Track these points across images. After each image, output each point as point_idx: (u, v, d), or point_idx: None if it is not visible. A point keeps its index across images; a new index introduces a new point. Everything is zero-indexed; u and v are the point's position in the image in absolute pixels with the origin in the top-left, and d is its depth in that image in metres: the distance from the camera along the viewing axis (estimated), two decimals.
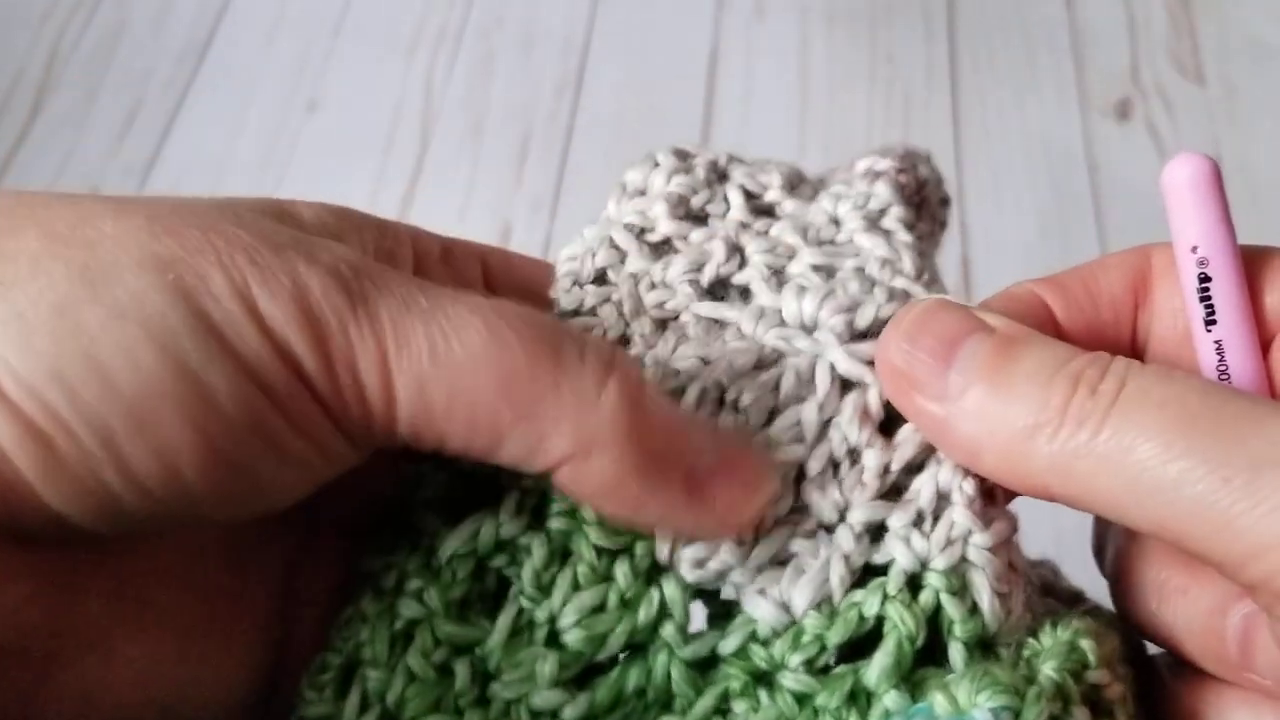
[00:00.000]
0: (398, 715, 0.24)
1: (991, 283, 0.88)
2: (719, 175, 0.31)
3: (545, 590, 0.25)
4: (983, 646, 0.25)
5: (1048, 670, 0.24)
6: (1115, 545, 0.27)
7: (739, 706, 0.24)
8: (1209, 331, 0.25)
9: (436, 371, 0.21)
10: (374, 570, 0.26)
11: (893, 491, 0.26)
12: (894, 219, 0.30)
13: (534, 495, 0.25)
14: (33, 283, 0.20)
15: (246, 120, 0.96)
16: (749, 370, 0.26)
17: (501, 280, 0.29)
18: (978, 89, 0.95)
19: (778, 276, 0.28)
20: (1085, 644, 0.24)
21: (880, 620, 0.24)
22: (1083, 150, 0.91)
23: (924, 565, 0.25)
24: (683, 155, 0.31)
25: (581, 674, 0.25)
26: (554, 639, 0.25)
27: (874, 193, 0.30)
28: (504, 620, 0.25)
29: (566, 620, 0.24)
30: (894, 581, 0.24)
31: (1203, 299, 0.25)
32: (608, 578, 0.25)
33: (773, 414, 0.26)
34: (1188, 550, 0.22)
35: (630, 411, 0.22)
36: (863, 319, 0.27)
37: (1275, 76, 0.96)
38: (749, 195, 0.30)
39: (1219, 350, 0.25)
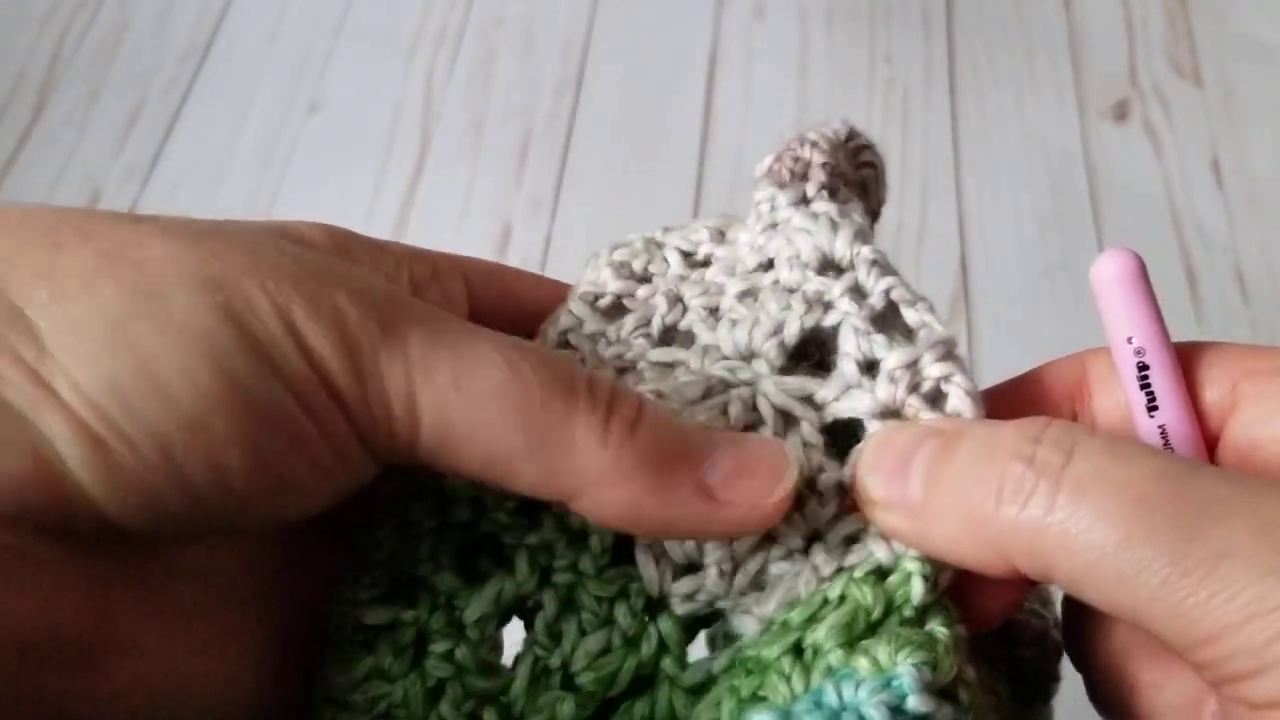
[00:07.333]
0: None
1: (990, 283, 0.88)
2: (656, 245, 0.33)
3: (557, 639, 0.27)
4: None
5: (940, 627, 0.25)
6: (1088, 641, 0.27)
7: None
8: (1151, 418, 0.26)
9: (459, 401, 0.23)
10: (382, 623, 0.27)
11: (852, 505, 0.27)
12: (782, 208, 0.31)
13: (542, 552, 0.28)
14: (87, 298, 0.21)
15: (248, 121, 0.96)
16: (699, 399, 0.28)
17: (481, 291, 0.30)
18: (976, 90, 0.95)
19: (714, 315, 0.31)
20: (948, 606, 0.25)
21: (842, 598, 0.26)
22: (1081, 151, 0.92)
23: (898, 558, 0.26)
24: (619, 241, 0.34)
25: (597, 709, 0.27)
26: (569, 681, 0.27)
27: (759, 198, 0.32)
28: (524, 670, 0.27)
29: (578, 665, 0.27)
30: (862, 569, 0.26)
31: (1143, 387, 0.26)
32: (609, 621, 0.27)
33: None
34: (1143, 628, 0.22)
35: (633, 447, 0.24)
36: (790, 336, 0.29)
37: (1273, 77, 0.96)
38: (685, 254, 0.33)
39: (1163, 435, 0.26)
